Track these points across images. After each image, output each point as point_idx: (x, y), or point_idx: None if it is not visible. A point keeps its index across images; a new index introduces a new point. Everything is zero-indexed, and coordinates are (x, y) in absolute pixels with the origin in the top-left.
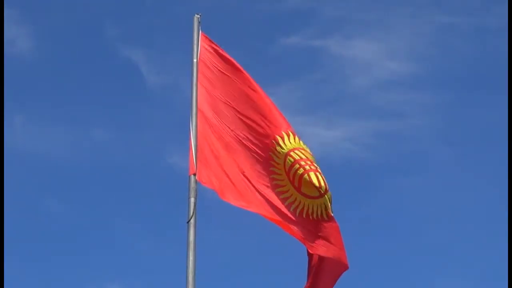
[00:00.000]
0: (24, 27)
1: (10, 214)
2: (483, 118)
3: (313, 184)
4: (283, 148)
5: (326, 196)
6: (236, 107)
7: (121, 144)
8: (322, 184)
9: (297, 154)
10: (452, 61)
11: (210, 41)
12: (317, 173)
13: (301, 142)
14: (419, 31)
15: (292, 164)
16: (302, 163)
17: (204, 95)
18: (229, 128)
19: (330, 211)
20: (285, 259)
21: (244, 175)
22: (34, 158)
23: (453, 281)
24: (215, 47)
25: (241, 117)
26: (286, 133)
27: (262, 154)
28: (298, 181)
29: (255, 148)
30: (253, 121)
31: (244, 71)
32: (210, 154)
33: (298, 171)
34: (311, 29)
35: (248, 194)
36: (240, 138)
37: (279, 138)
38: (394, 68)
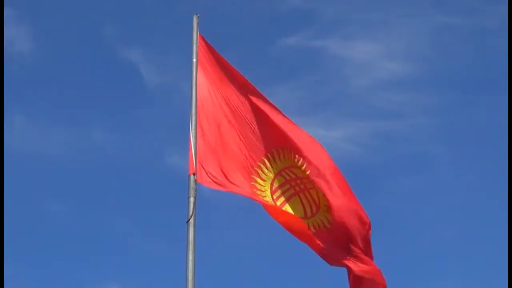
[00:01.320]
0: (23, 27)
1: (10, 215)
2: (482, 119)
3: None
4: (269, 172)
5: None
6: (232, 109)
7: (120, 145)
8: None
9: (288, 174)
10: (452, 62)
11: (207, 44)
12: (305, 193)
13: (291, 156)
14: (419, 31)
15: (277, 188)
16: (292, 183)
17: (205, 94)
18: (229, 127)
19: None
20: (284, 258)
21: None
22: (33, 159)
23: (453, 283)
24: (211, 50)
25: (236, 120)
26: (276, 151)
27: (251, 163)
28: (282, 203)
29: (246, 154)
30: (249, 127)
31: (242, 77)
32: (214, 150)
33: (283, 196)
34: (310, 29)
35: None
36: (237, 139)
37: (269, 156)
38: (394, 69)
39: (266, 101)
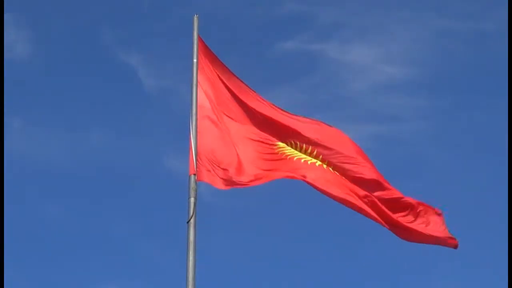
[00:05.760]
0: (22, 31)
1: (10, 217)
2: (481, 123)
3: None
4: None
5: None
6: (230, 109)
7: (119, 148)
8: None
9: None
10: (450, 66)
11: (205, 46)
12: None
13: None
14: (417, 35)
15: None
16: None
17: (205, 94)
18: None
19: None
20: (284, 258)
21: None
22: (32, 162)
23: (453, 283)
24: (209, 52)
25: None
26: (285, 143)
27: (267, 145)
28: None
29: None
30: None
31: (238, 79)
32: (220, 146)
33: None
34: (308, 33)
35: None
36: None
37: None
38: (392, 73)
39: (263, 101)
